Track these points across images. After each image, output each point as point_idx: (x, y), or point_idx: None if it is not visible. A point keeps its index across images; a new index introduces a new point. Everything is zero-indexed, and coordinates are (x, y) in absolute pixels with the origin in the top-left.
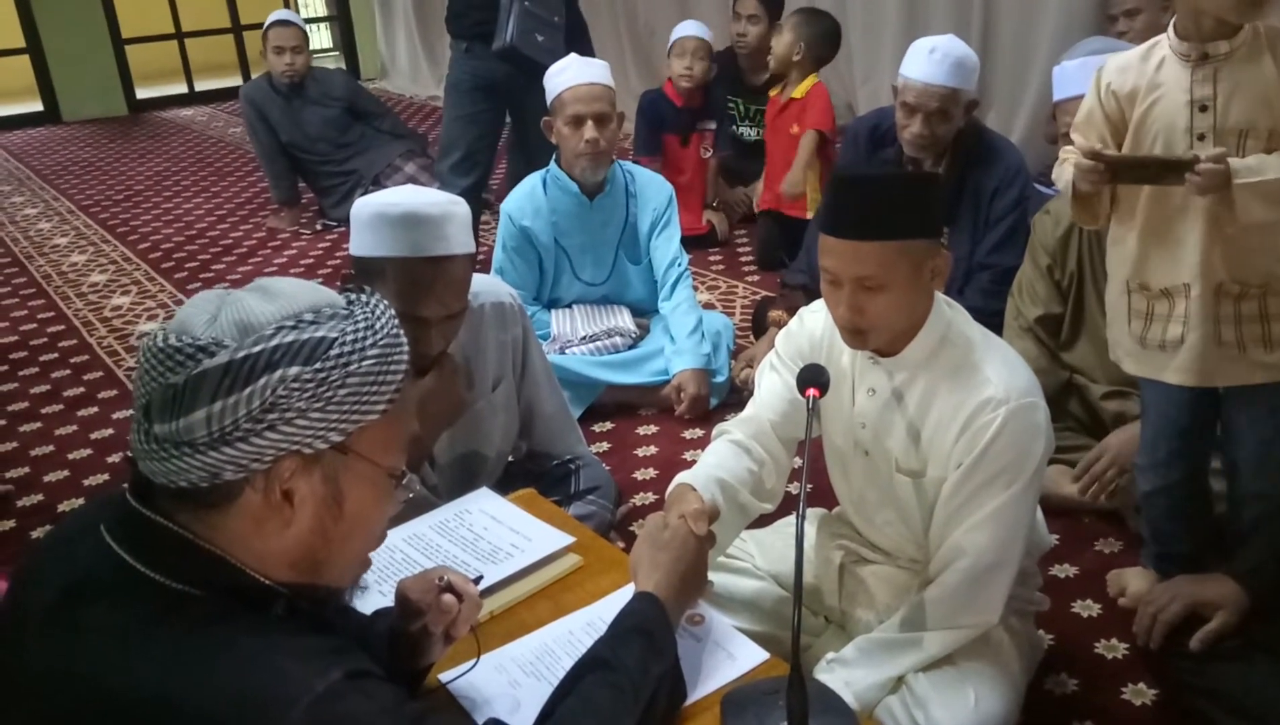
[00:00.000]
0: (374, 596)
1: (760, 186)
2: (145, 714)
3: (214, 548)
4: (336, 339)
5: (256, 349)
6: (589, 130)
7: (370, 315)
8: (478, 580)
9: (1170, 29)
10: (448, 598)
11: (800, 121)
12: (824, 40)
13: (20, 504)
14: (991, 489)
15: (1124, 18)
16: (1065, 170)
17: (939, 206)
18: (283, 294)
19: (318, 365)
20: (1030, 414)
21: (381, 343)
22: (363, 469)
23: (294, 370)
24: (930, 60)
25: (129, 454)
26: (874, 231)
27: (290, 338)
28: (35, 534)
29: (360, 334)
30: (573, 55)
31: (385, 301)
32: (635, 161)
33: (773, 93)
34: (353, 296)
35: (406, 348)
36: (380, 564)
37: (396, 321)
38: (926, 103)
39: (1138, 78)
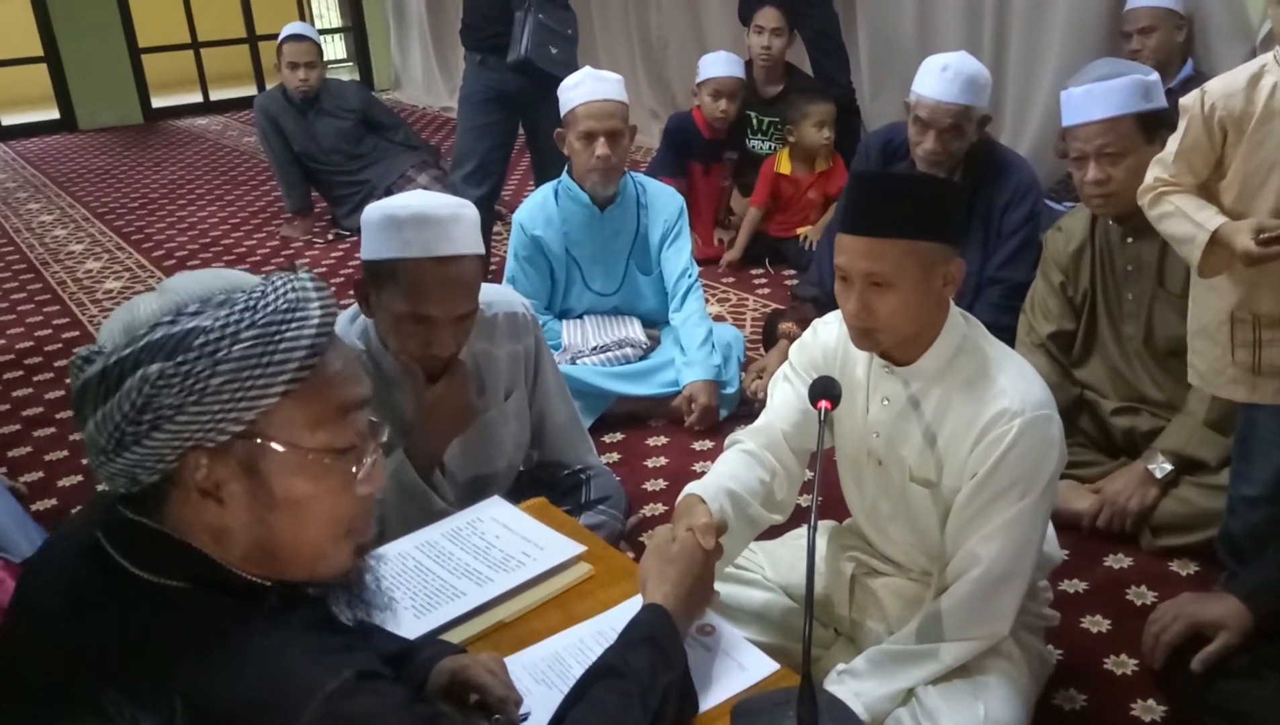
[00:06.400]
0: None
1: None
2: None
3: (187, 540)
4: (205, 328)
5: (127, 351)
6: (601, 146)
7: (258, 295)
8: (524, 717)
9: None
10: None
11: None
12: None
13: (35, 508)
14: (1005, 499)
15: (1138, 35)
16: (1176, 224)
17: (956, 214)
18: (173, 289)
19: (179, 358)
20: (1045, 426)
21: (261, 322)
22: (284, 454)
23: (155, 368)
24: (943, 78)
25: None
26: (887, 228)
27: (160, 334)
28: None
29: (235, 317)
30: (587, 69)
31: (295, 277)
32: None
33: (783, 170)
34: (271, 278)
35: (308, 319)
36: (393, 571)
37: (293, 294)
38: (939, 120)
39: (1246, 104)
